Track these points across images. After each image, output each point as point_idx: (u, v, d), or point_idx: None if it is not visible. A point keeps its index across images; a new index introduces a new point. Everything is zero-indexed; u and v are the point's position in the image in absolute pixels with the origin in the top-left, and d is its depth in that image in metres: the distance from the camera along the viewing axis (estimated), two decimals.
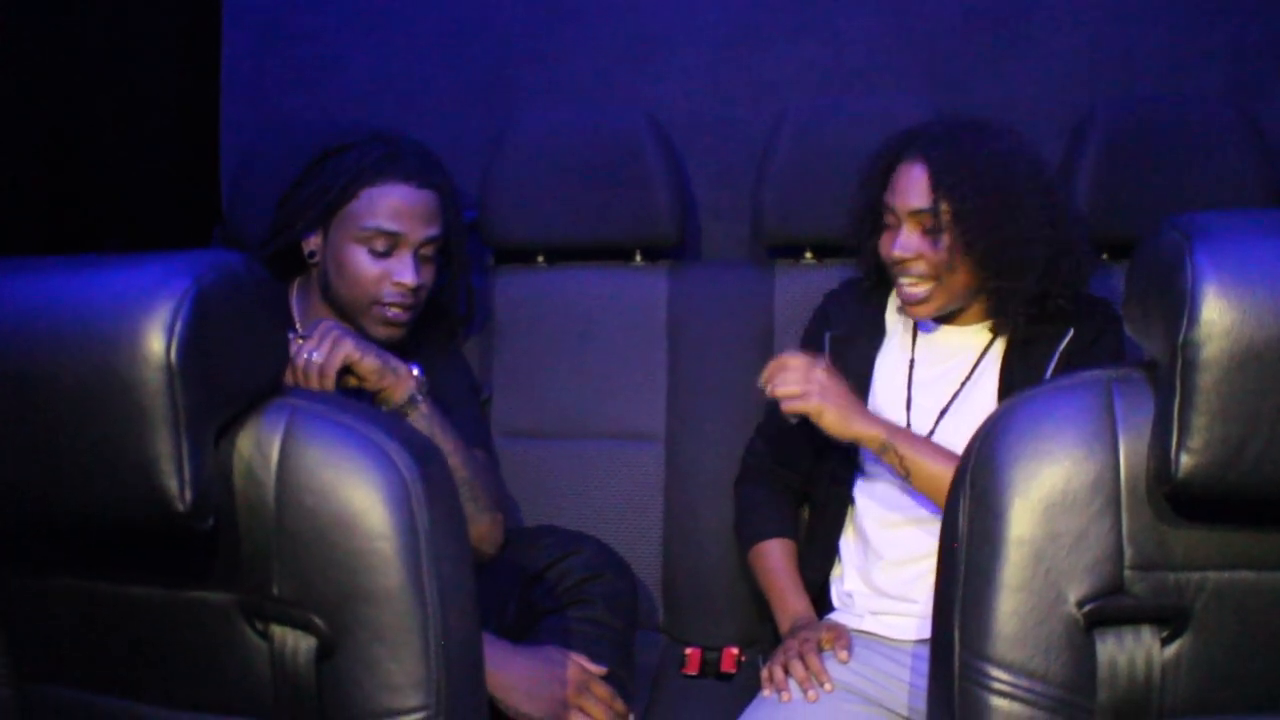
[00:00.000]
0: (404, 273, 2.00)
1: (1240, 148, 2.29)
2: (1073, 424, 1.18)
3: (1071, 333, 1.93)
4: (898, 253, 1.91)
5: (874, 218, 2.00)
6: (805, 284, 2.36)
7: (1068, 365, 1.90)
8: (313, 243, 2.05)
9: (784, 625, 2.03)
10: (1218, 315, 1.04)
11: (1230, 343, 1.04)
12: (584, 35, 2.83)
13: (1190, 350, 1.05)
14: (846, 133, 2.32)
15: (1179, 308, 1.06)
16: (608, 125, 2.46)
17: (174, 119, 2.88)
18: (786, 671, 1.89)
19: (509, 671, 1.82)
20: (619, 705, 1.89)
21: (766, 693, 1.88)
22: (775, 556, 2.11)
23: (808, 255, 2.42)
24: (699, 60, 2.80)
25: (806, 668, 1.87)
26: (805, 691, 1.85)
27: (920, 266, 1.90)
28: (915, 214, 1.89)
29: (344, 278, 2.01)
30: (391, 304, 2.01)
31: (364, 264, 2.00)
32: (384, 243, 2.00)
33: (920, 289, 1.91)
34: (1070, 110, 2.52)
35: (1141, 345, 1.17)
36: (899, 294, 1.96)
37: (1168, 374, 1.08)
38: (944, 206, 1.86)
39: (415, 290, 2.01)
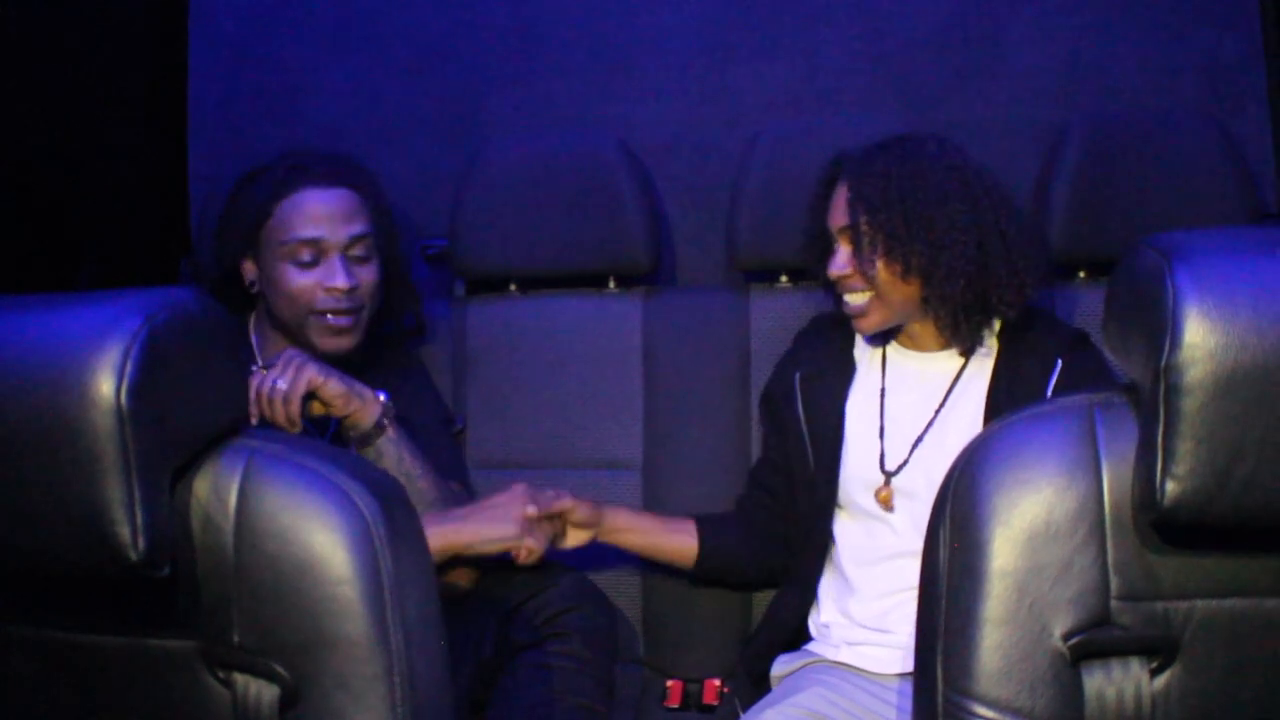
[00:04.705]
0: (333, 277, 1.98)
1: (1217, 161, 2.28)
2: (1054, 451, 1.15)
3: (1060, 364, 1.92)
4: (833, 271, 1.96)
5: (823, 242, 2.02)
6: (781, 308, 2.34)
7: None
8: (249, 271, 2.04)
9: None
10: (1200, 338, 1.01)
11: (1214, 366, 1.01)
12: (554, 59, 2.81)
13: (1173, 374, 1.02)
14: (821, 155, 2.28)
15: (1160, 331, 1.03)
16: (579, 150, 2.44)
17: (141, 148, 2.84)
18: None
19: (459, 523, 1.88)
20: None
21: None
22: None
23: (783, 279, 2.40)
24: (671, 83, 2.78)
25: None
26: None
27: (856, 281, 1.93)
28: (842, 231, 1.94)
29: (279, 297, 2.00)
30: (329, 310, 1.98)
31: (294, 278, 1.98)
32: (308, 252, 1.98)
33: (859, 301, 1.94)
34: (1045, 126, 2.51)
35: (1122, 369, 1.15)
36: (844, 309, 1.99)
37: (1150, 399, 1.05)
38: (862, 220, 1.90)
39: (349, 292, 1.99)
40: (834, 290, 2.01)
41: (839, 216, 1.94)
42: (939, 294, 1.89)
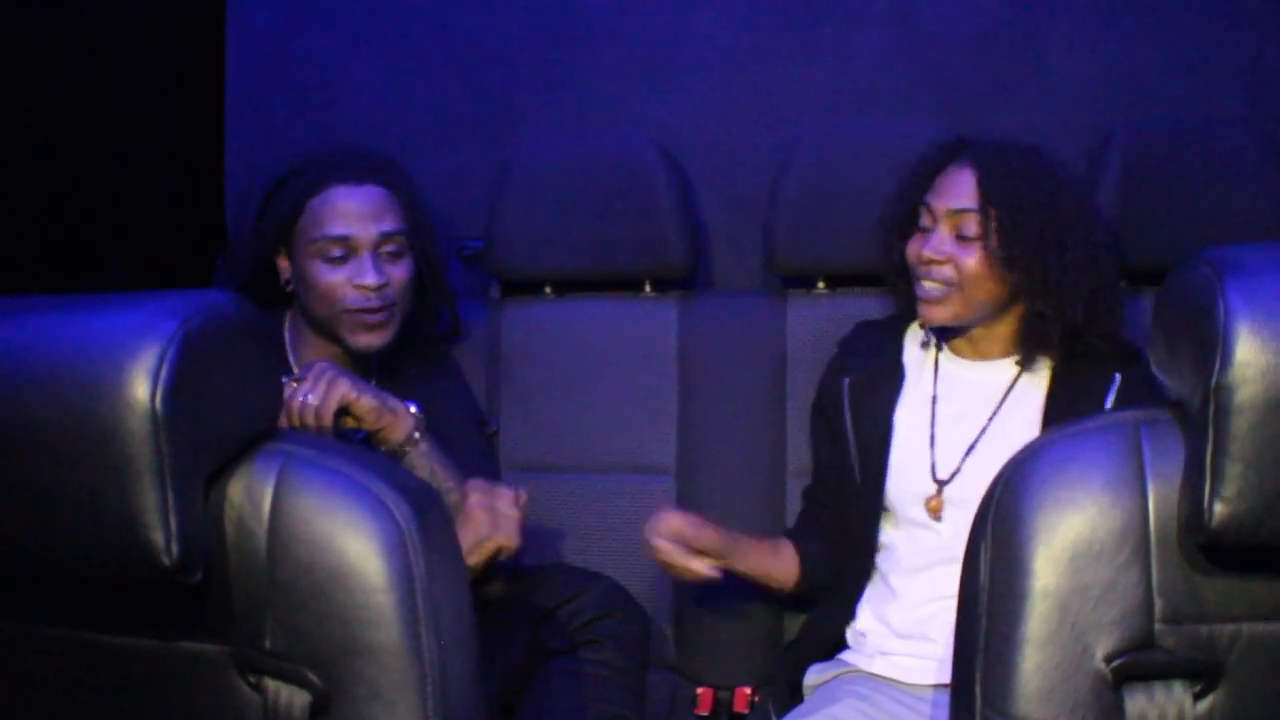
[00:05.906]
0: (364, 274, 1.97)
1: (1261, 170, 2.26)
2: (1099, 469, 1.12)
3: (1119, 378, 1.89)
4: (928, 253, 1.89)
5: (907, 220, 1.97)
6: (818, 314, 2.32)
7: None
8: (284, 270, 2.05)
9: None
10: (1252, 357, 0.99)
11: (1265, 385, 0.99)
12: (591, 60, 2.80)
13: (1223, 394, 1.00)
14: (861, 159, 2.28)
15: (1211, 348, 1.01)
16: (615, 152, 2.43)
17: (178, 144, 2.86)
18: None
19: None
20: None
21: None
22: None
23: (821, 285, 2.38)
24: (708, 84, 2.76)
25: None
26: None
27: (947, 270, 1.87)
28: (954, 214, 1.87)
29: (311, 294, 2.00)
30: (361, 309, 1.97)
31: (325, 275, 1.98)
32: (338, 249, 1.98)
33: (939, 289, 1.89)
34: (1087, 134, 2.48)
35: (1169, 386, 1.12)
36: (918, 293, 1.93)
37: (1199, 418, 1.03)
38: (991, 213, 1.84)
39: (379, 289, 1.98)
40: (910, 273, 1.96)
41: (957, 198, 1.87)
42: (1056, 313, 1.86)
